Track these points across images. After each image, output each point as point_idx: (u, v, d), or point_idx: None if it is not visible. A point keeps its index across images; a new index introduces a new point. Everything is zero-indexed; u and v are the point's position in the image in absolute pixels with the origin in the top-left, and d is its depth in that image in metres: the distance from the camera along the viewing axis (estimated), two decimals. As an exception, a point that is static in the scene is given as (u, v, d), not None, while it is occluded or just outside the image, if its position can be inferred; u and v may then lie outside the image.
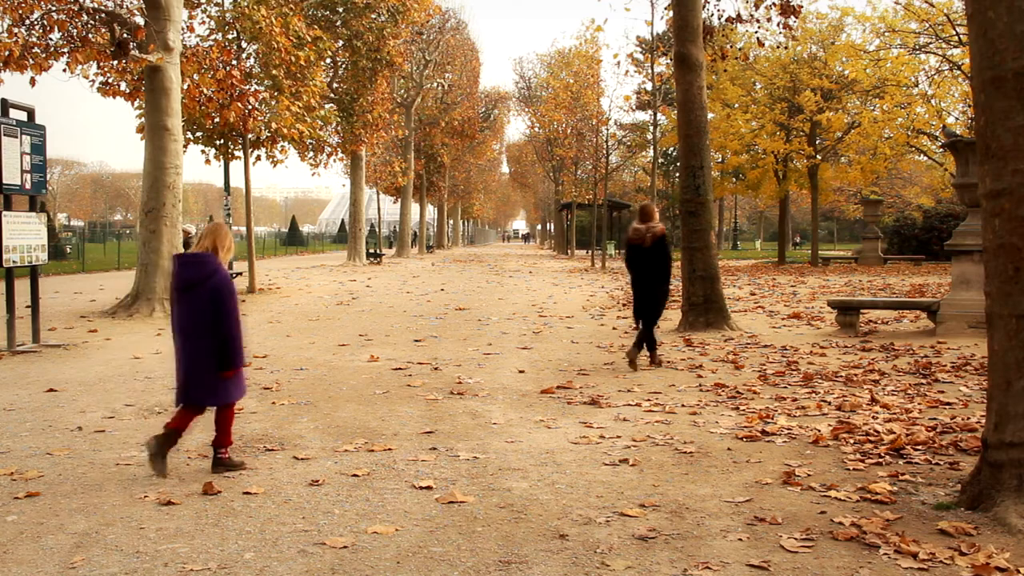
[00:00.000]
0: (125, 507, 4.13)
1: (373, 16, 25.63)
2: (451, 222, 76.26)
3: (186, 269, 4.74)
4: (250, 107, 16.42)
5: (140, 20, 13.09)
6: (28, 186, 9.79)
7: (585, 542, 3.64)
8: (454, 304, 15.71)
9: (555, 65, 41.27)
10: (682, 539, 3.66)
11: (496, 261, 38.82)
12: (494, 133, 59.69)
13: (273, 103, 17.92)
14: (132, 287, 13.52)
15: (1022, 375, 3.82)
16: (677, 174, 36.66)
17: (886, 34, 25.74)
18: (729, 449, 5.16)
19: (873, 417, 5.90)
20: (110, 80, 13.92)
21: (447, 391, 7.16)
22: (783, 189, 31.45)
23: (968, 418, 5.80)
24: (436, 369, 8.35)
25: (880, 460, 4.84)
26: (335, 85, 26.49)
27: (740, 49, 22.88)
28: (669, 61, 20.16)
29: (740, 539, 3.65)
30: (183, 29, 14.58)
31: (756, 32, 15.91)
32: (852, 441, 5.26)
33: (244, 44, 18.70)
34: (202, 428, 5.80)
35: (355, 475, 4.64)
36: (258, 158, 19.00)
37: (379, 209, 42.76)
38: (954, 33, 23.88)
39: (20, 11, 11.80)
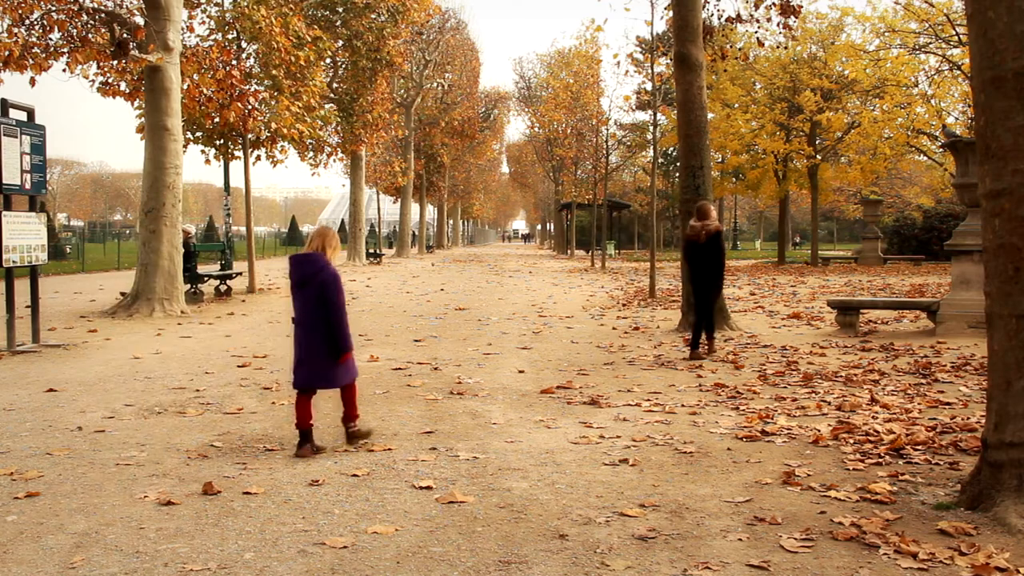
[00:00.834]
0: (125, 507, 4.13)
1: (373, 16, 25.64)
2: (451, 222, 76.26)
3: (300, 267, 5.21)
4: (250, 107, 16.42)
5: (140, 20, 13.09)
6: (28, 186, 9.79)
7: (585, 542, 3.64)
8: (454, 304, 15.72)
9: (555, 65, 41.26)
10: (682, 539, 3.66)
11: (496, 261, 38.83)
12: (494, 133, 59.69)
13: (273, 103, 17.92)
14: (132, 287, 13.53)
15: (1022, 375, 3.82)
16: (677, 174, 36.67)
17: (886, 34, 25.75)
18: (729, 449, 5.16)
19: (873, 417, 5.90)
20: (110, 80, 13.93)
21: (447, 391, 7.16)
22: (783, 189, 31.45)
23: (968, 418, 5.80)
24: (436, 369, 8.35)
25: (880, 460, 4.84)
26: (335, 85, 26.49)
27: (740, 49, 22.88)
28: (669, 61, 20.15)
29: (740, 539, 3.65)
30: (183, 29, 14.59)
31: (756, 32, 15.90)
32: (852, 441, 5.26)
33: (244, 44, 18.70)
34: (201, 429, 5.80)
35: (355, 475, 4.64)
36: (258, 158, 19.01)
37: (379, 209, 42.77)
38: (954, 33, 23.87)
39: (20, 11, 11.80)
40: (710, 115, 21.57)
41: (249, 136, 18.16)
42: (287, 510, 4.08)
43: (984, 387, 5.48)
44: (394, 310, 14.57)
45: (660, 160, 45.13)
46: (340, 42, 25.14)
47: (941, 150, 26.53)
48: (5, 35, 11.81)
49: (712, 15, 15.52)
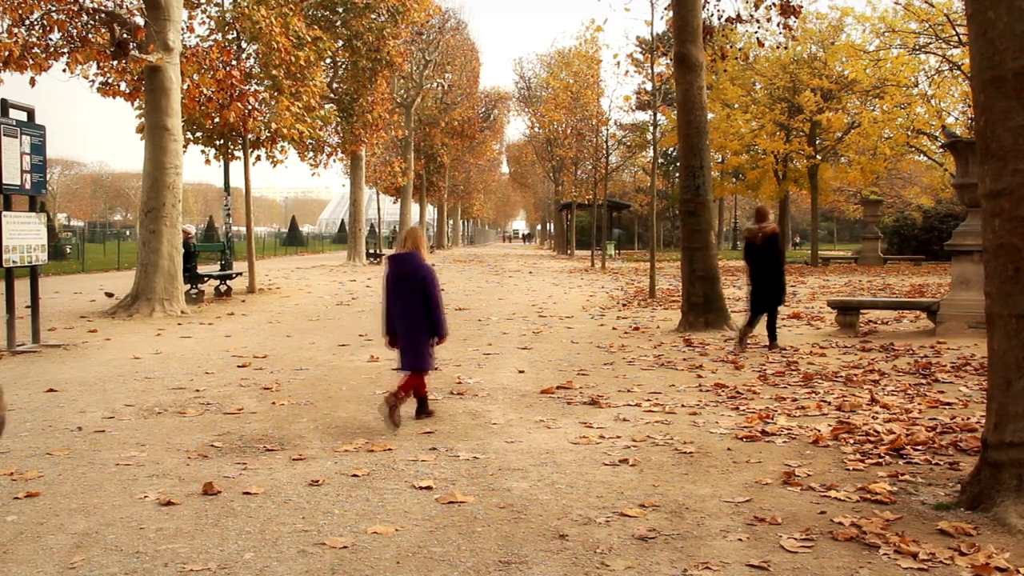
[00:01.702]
0: (125, 507, 4.13)
1: (373, 16, 25.63)
2: (451, 222, 76.26)
3: (399, 265, 5.96)
4: (250, 107, 16.43)
5: (140, 20, 13.09)
6: (28, 186, 9.79)
7: (585, 542, 3.64)
8: (454, 304, 15.72)
9: (555, 65, 41.27)
10: (682, 539, 3.66)
11: (496, 261, 38.83)
12: (494, 133, 59.69)
13: (273, 103, 17.92)
14: (132, 287, 13.52)
15: (1022, 375, 3.82)
16: (677, 174, 36.68)
17: (886, 34, 25.75)
18: (729, 449, 5.16)
19: (873, 417, 5.90)
20: (110, 80, 13.93)
21: (447, 391, 7.16)
22: (783, 189, 31.46)
23: (968, 418, 5.80)
24: (436, 369, 8.34)
25: (880, 460, 4.84)
26: (335, 85, 26.50)
27: (740, 49, 22.88)
28: (669, 61, 20.15)
29: (740, 539, 3.65)
30: (183, 29, 14.59)
31: (756, 32, 15.91)
32: (852, 441, 5.26)
33: (244, 44, 18.70)
34: (201, 429, 5.80)
35: (355, 475, 4.64)
36: (258, 158, 19.01)
37: (379, 209, 42.77)
38: (954, 33, 23.87)
39: (20, 11, 11.80)
40: (710, 115, 21.57)
41: (249, 136, 18.16)
42: (287, 510, 4.08)
43: (984, 387, 5.48)
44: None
45: (660, 160, 45.14)
46: (340, 42, 25.14)
47: (941, 150, 26.53)
48: (5, 35, 11.81)
49: (712, 15, 15.53)
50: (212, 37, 18.77)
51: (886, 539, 3.58)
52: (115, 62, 12.94)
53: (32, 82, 12.54)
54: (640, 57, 36.45)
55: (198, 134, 18.51)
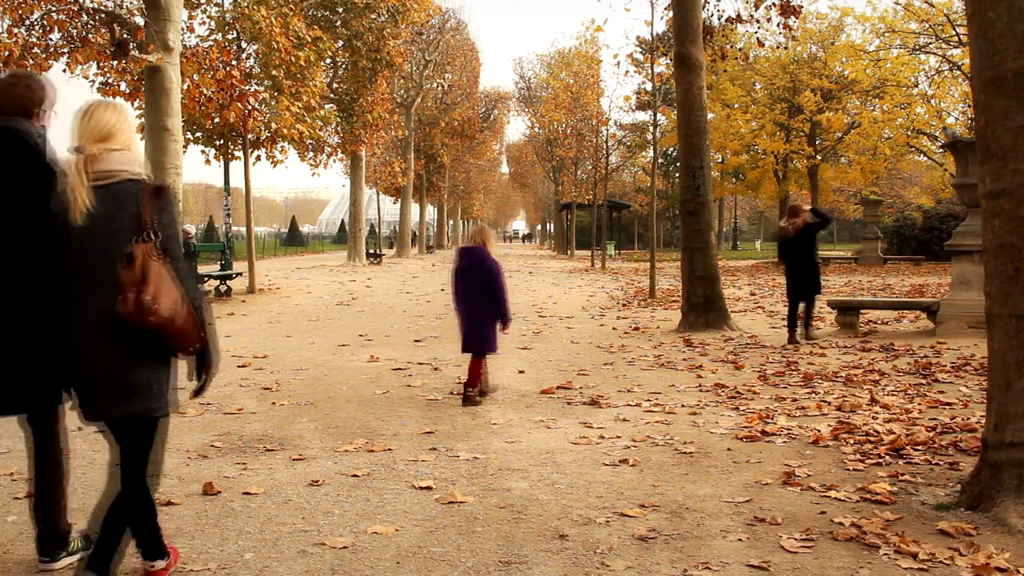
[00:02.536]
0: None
1: (373, 16, 25.63)
2: (451, 222, 76.27)
3: (467, 257, 6.59)
4: (250, 107, 16.42)
5: (140, 20, 13.08)
6: (28, 186, 9.78)
7: (585, 542, 3.64)
8: (454, 304, 15.72)
9: (555, 65, 41.28)
10: (682, 539, 3.66)
11: (496, 261, 38.78)
12: (494, 133, 59.66)
13: (273, 103, 17.92)
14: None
15: (1022, 375, 3.82)
16: (677, 174, 36.67)
17: (886, 34, 25.76)
18: (729, 449, 5.16)
19: (873, 417, 5.90)
20: (110, 80, 13.92)
21: (447, 391, 7.16)
22: (783, 189, 31.47)
23: (968, 418, 5.80)
24: (436, 369, 8.35)
25: (880, 460, 4.84)
26: (335, 85, 26.50)
27: (740, 49, 22.88)
28: (669, 61, 20.15)
29: (740, 539, 3.65)
30: (183, 29, 14.58)
31: (756, 32, 15.91)
32: (852, 441, 5.26)
33: (244, 44, 18.70)
34: (201, 429, 5.81)
35: (355, 475, 4.64)
36: (258, 158, 19.01)
37: (379, 209, 42.77)
38: (954, 33, 23.89)
39: (20, 11, 11.80)
40: (710, 115, 21.57)
41: (249, 136, 18.16)
42: (287, 510, 4.08)
43: (984, 387, 5.48)
44: (394, 310, 14.57)
45: (660, 160, 45.14)
46: (340, 42, 25.14)
47: (941, 150, 26.54)
48: (5, 35, 11.81)
49: (712, 15, 15.53)
50: (212, 37, 18.76)
51: (886, 539, 3.58)
52: (115, 62, 12.94)
53: (32, 82, 12.52)
54: (640, 57, 36.44)
55: (198, 134, 18.51)
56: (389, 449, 5.21)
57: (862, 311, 11.60)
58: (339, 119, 24.94)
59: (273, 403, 6.64)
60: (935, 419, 5.82)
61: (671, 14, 12.22)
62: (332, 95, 25.73)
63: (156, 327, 2.88)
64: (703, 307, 11.28)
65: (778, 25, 15.07)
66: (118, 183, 2.94)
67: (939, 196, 34.06)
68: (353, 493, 4.34)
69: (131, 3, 13.64)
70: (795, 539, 3.63)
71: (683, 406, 6.44)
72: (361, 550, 3.57)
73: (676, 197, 38.89)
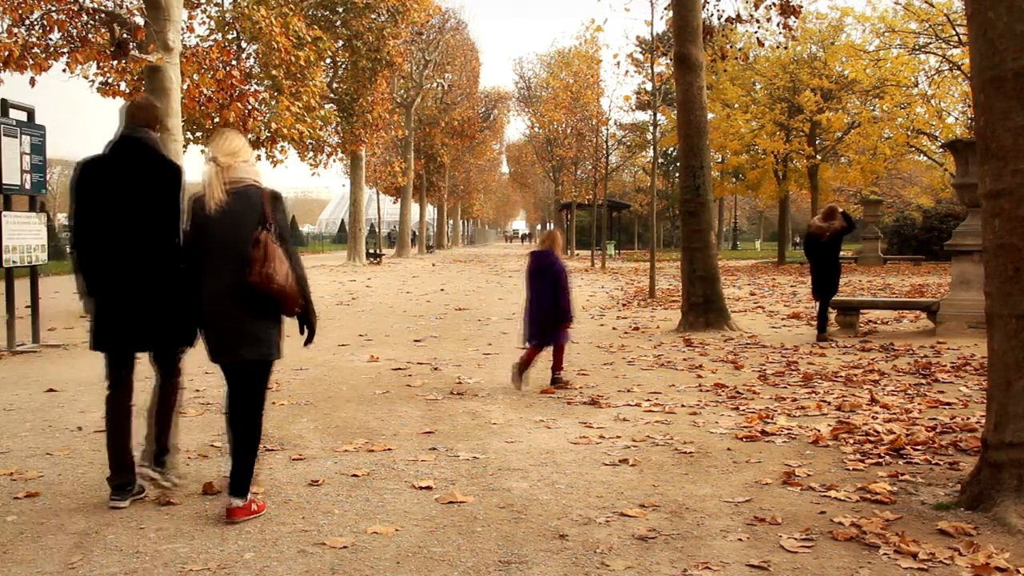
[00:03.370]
0: (125, 507, 4.13)
1: (373, 16, 25.64)
2: (451, 222, 76.26)
3: (537, 260, 7.33)
4: (250, 107, 16.43)
5: (140, 20, 13.09)
6: (28, 186, 9.79)
7: (585, 542, 3.64)
8: (454, 304, 15.72)
9: (555, 65, 41.27)
10: (682, 539, 3.66)
11: (496, 261, 38.84)
12: (494, 133, 59.66)
13: (273, 103, 17.93)
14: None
15: (1022, 375, 3.82)
16: (677, 174, 36.64)
17: (886, 34, 25.75)
18: (729, 449, 5.16)
19: (873, 417, 5.90)
20: (110, 80, 13.93)
21: (447, 391, 7.16)
22: (783, 189, 31.45)
23: (968, 418, 5.80)
24: (436, 369, 8.35)
25: (880, 460, 4.84)
26: (335, 85, 26.50)
27: (740, 49, 22.89)
28: (669, 61, 20.16)
29: (740, 539, 3.65)
30: (183, 29, 14.58)
31: (756, 32, 15.91)
32: (852, 441, 5.26)
33: (244, 44, 18.71)
34: (201, 429, 5.81)
35: (355, 475, 4.64)
36: (258, 158, 19.00)
37: (379, 209, 42.77)
38: (954, 33, 23.88)
39: (20, 11, 11.80)
40: (710, 115, 21.55)
41: (249, 136, 18.15)
42: (287, 510, 4.08)
43: (984, 387, 5.48)
44: (394, 310, 14.57)
45: (660, 160, 45.14)
46: (340, 42, 25.15)
47: (941, 150, 26.53)
48: (5, 35, 11.81)
49: (712, 15, 15.53)
50: (212, 37, 18.78)
51: (886, 539, 3.58)
52: (115, 62, 12.94)
53: (32, 82, 12.53)
54: (640, 57, 36.43)
55: (198, 134, 18.52)
56: (389, 449, 5.21)
57: (862, 311, 11.60)
58: (339, 119, 24.96)
59: (273, 403, 6.64)
60: (935, 419, 5.82)
61: (671, 14, 12.23)
62: (332, 95, 25.74)
63: (273, 293, 3.86)
64: (703, 307, 11.28)
65: (778, 25, 15.08)
66: (245, 187, 3.94)
67: (939, 196, 34.04)
68: (353, 493, 4.34)
69: (131, 3, 13.64)
70: (795, 539, 3.63)
71: (683, 406, 6.44)
72: (361, 550, 3.57)
73: (676, 197, 38.87)
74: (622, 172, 49.03)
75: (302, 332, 4.19)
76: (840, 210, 10.31)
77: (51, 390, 7.16)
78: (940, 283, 19.16)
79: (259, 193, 3.97)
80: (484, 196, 76.13)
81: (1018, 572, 3.23)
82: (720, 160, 32.20)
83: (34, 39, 12.23)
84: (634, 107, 41.10)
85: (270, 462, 4.93)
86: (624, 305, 15.40)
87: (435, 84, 42.38)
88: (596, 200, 34.91)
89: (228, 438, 4.08)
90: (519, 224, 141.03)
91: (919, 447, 5.06)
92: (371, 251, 34.69)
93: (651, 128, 20.05)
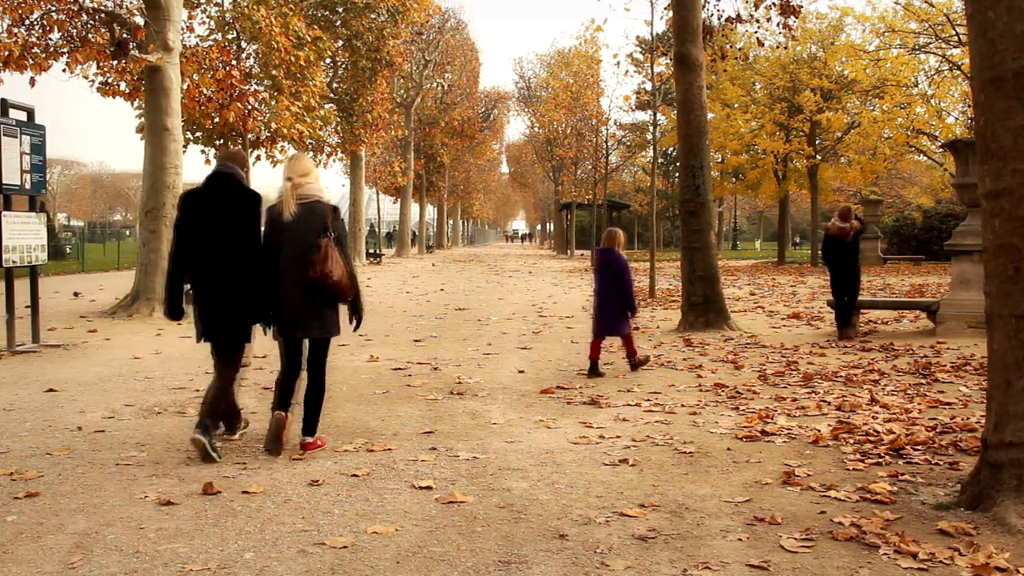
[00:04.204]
0: (125, 507, 4.13)
1: (373, 16, 25.63)
2: (451, 222, 76.25)
3: (602, 256, 7.94)
4: (250, 107, 16.43)
5: (140, 20, 13.09)
6: (28, 186, 9.79)
7: (585, 542, 3.63)
8: (454, 304, 15.72)
9: (555, 65, 41.27)
10: (682, 539, 3.66)
11: (496, 261, 38.83)
12: (494, 133, 59.68)
13: (273, 103, 17.93)
14: (132, 287, 13.52)
15: (1022, 375, 3.82)
16: (677, 174, 36.64)
17: (886, 34, 25.74)
18: (729, 449, 5.16)
19: (873, 417, 5.90)
20: (110, 80, 13.93)
21: (447, 391, 7.16)
22: (783, 189, 31.44)
23: (968, 418, 5.80)
24: (436, 369, 8.35)
25: (880, 460, 4.84)
26: (335, 85, 26.49)
27: (740, 49, 22.88)
28: (669, 61, 20.15)
29: (740, 539, 3.65)
30: (183, 29, 14.59)
31: (756, 32, 15.92)
32: (852, 441, 5.26)
33: (244, 44, 18.71)
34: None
35: (355, 475, 4.64)
36: (258, 158, 19.02)
37: (379, 209, 42.81)
38: (954, 33, 23.87)
39: (20, 11, 11.80)
40: (710, 115, 21.55)
41: (249, 136, 18.16)
42: (287, 510, 4.08)
43: (984, 387, 5.48)
44: (394, 310, 14.57)
45: (660, 160, 45.12)
46: (340, 42, 25.14)
47: (941, 150, 26.53)
48: (5, 35, 11.81)
49: (712, 15, 15.53)
50: (212, 37, 18.78)
51: (886, 539, 3.58)
52: (115, 62, 12.94)
53: (32, 82, 12.54)
54: (640, 57, 36.44)
55: (198, 134, 18.53)
56: (389, 449, 5.21)
57: (862, 311, 11.59)
58: (339, 119, 24.96)
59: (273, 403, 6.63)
60: (935, 419, 5.82)
61: (671, 14, 12.22)
62: (332, 95, 25.73)
63: (330, 286, 4.93)
64: (703, 307, 11.28)
65: (778, 25, 15.08)
66: (312, 202, 5.01)
67: (939, 196, 34.03)
68: (353, 493, 4.34)
69: (131, 3, 13.63)
70: (795, 539, 3.63)
71: (683, 406, 6.44)
72: (361, 550, 3.57)
73: (676, 197, 38.87)
74: (622, 172, 49.02)
75: (351, 320, 5.27)
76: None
77: (51, 390, 7.16)
78: (940, 283, 19.16)
79: (323, 207, 5.01)
80: (484, 196, 76.14)
81: (1018, 572, 3.23)
82: (720, 160, 32.18)
83: (34, 39, 12.24)
84: (634, 107, 41.12)
85: (270, 462, 4.94)
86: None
87: (435, 84, 42.37)
88: (596, 200, 34.91)
89: (274, 400, 5.21)
90: (519, 224, 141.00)
91: (919, 447, 5.06)
92: (371, 251, 34.68)
93: (651, 128, 20.05)
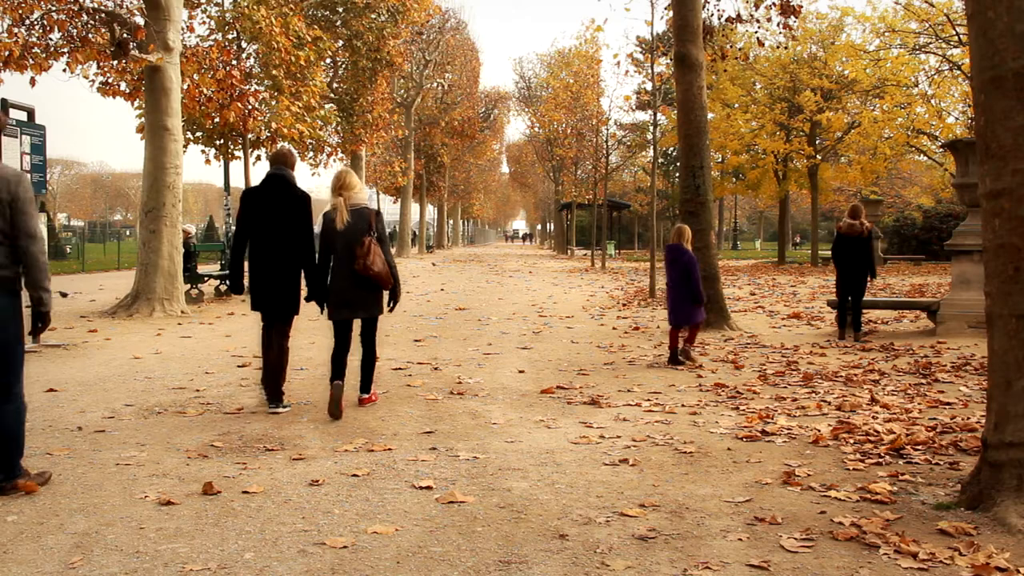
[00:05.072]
0: (125, 507, 4.13)
1: (373, 16, 25.62)
2: (451, 222, 76.25)
3: (671, 252, 8.53)
4: (250, 107, 16.43)
5: (140, 20, 13.09)
6: (28, 186, 9.78)
7: (585, 542, 3.63)
8: (454, 304, 15.72)
9: (555, 65, 41.25)
10: (682, 539, 3.66)
11: (496, 261, 38.83)
12: (494, 133, 59.67)
13: (273, 103, 17.93)
14: (132, 287, 13.52)
15: (1022, 375, 3.82)
16: (677, 174, 36.67)
17: (886, 34, 25.73)
18: (729, 449, 5.16)
19: (873, 417, 5.90)
20: (110, 80, 13.92)
21: (447, 391, 7.16)
22: (783, 189, 31.44)
23: (968, 418, 5.80)
24: (436, 369, 8.35)
25: (880, 460, 4.84)
26: (335, 85, 26.49)
27: (740, 49, 22.88)
28: (669, 61, 20.16)
29: (740, 539, 3.65)
30: (183, 29, 14.58)
31: (756, 32, 15.92)
32: (852, 441, 5.26)
33: (244, 44, 18.71)
34: (201, 429, 5.81)
35: (355, 475, 4.64)
36: (258, 158, 19.02)
37: (379, 209, 42.74)
38: (954, 33, 23.87)
39: (20, 11, 11.80)
40: (710, 115, 21.56)
41: (249, 136, 18.17)
42: (287, 510, 4.08)
43: (984, 387, 5.48)
44: (393, 310, 14.55)
45: (660, 160, 45.12)
46: (340, 42, 25.13)
47: (941, 150, 26.52)
48: (5, 35, 11.80)
49: (712, 15, 15.52)
50: (212, 37, 18.77)
51: (886, 539, 3.58)
52: (115, 62, 12.94)
53: (32, 82, 12.53)
54: (640, 57, 36.44)
55: (198, 134, 18.52)
56: (389, 449, 5.21)
57: (862, 311, 11.57)
58: (339, 119, 24.95)
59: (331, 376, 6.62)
60: (935, 419, 5.82)
61: (671, 14, 12.22)
62: (332, 95, 25.73)
63: (373, 276, 6.07)
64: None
65: (778, 25, 15.07)
66: (360, 208, 6.19)
67: (939, 196, 34.02)
68: (353, 493, 4.34)
69: (131, 3, 13.63)
70: (795, 539, 3.63)
71: (683, 406, 6.44)
72: (361, 550, 3.57)
73: (676, 197, 38.86)
74: (622, 172, 48.98)
75: (390, 302, 6.36)
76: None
77: (51, 390, 7.16)
78: (940, 283, 19.16)
79: (368, 212, 6.19)
80: (484, 196, 76.13)
81: (1018, 572, 3.23)
82: (720, 160, 32.18)
83: (34, 39, 12.23)
84: (634, 107, 41.12)
85: (270, 462, 4.94)
86: (624, 305, 15.40)
87: (435, 84, 42.37)
88: (596, 200, 34.91)
89: (331, 371, 6.20)
90: (519, 224, 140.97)
91: (919, 447, 5.06)
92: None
93: (651, 128, 20.05)
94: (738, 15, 15.10)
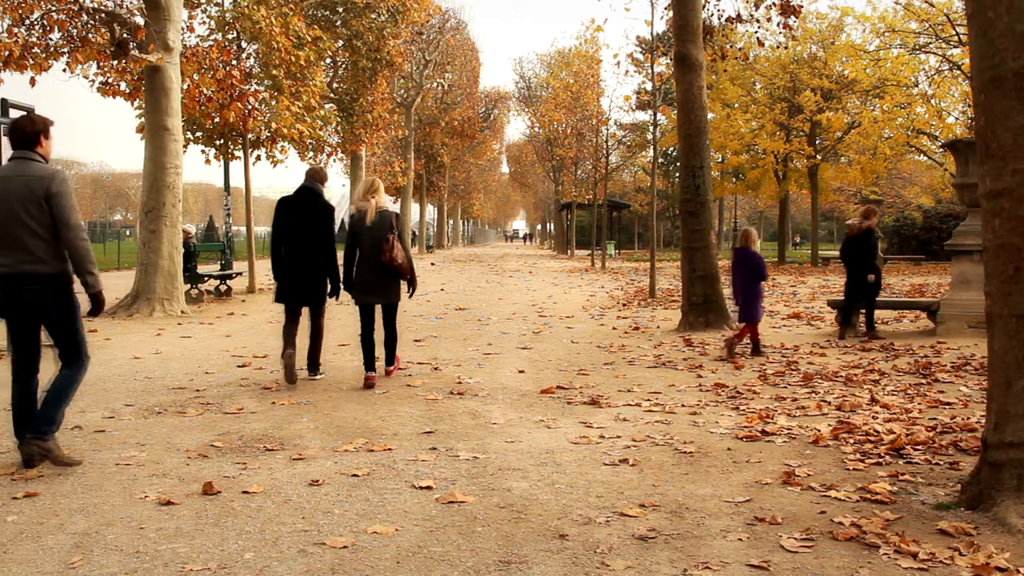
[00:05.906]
0: (125, 507, 4.13)
1: (373, 16, 25.60)
2: (451, 222, 76.24)
3: (738, 254, 9.08)
4: (250, 107, 16.43)
5: (140, 20, 13.09)
6: (28, 186, 9.77)
7: (585, 542, 3.63)
8: (454, 304, 15.72)
9: (555, 65, 41.26)
10: (682, 539, 3.66)
11: (496, 261, 38.83)
12: (494, 133, 59.64)
13: (273, 103, 17.92)
14: (132, 287, 13.52)
15: (1022, 375, 3.82)
16: (677, 174, 36.67)
17: (886, 34, 25.75)
18: (729, 449, 5.16)
19: (873, 417, 5.90)
20: (110, 80, 13.92)
21: (447, 391, 7.16)
22: (783, 189, 31.46)
23: (968, 418, 5.80)
24: (436, 369, 8.35)
25: (880, 460, 4.84)
26: (335, 85, 26.47)
27: (740, 49, 22.87)
28: (669, 61, 20.16)
29: (740, 539, 3.65)
30: (183, 29, 14.58)
31: (756, 32, 15.93)
32: (852, 441, 5.26)
33: (244, 44, 18.70)
34: (201, 429, 5.81)
35: (355, 475, 4.64)
36: (258, 158, 19.00)
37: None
38: (954, 33, 23.88)
39: (20, 11, 11.80)
40: (710, 115, 21.55)
41: (249, 136, 18.15)
42: (287, 510, 4.08)
43: (984, 387, 5.48)
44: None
45: (660, 160, 45.13)
46: (340, 42, 25.11)
47: (941, 150, 26.52)
48: (5, 35, 11.80)
49: (712, 15, 15.53)
50: (212, 37, 18.75)
51: (886, 539, 3.58)
52: (115, 62, 12.94)
53: (32, 82, 12.53)
54: (640, 57, 36.43)
55: (198, 134, 18.50)
56: (389, 449, 5.21)
57: (861, 311, 11.57)
58: (339, 119, 24.94)
59: (273, 403, 6.64)
60: (935, 419, 5.82)
61: (671, 14, 12.22)
62: (332, 95, 25.71)
63: (396, 267, 7.24)
64: (703, 307, 11.28)
65: (778, 25, 15.08)
66: (383, 211, 7.29)
67: (939, 196, 34.03)
68: (353, 493, 4.34)
69: (131, 3, 13.63)
70: (795, 539, 3.63)
71: (683, 406, 6.44)
72: (361, 550, 3.57)
73: (676, 197, 38.87)
74: (622, 172, 49.00)
75: (408, 289, 7.58)
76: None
77: (51, 390, 7.15)
78: (940, 283, 19.15)
79: (390, 214, 7.32)
80: (484, 196, 76.09)
81: (1018, 572, 3.23)
82: (720, 160, 32.20)
83: (34, 39, 12.23)
84: (634, 107, 41.13)
85: (270, 462, 4.94)
86: (624, 305, 15.40)
87: (435, 84, 42.35)
88: (596, 200, 34.91)
89: (362, 349, 7.38)
90: (519, 224, 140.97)
91: (919, 447, 5.06)
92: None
93: (651, 128, 20.05)
94: (738, 15, 15.11)
